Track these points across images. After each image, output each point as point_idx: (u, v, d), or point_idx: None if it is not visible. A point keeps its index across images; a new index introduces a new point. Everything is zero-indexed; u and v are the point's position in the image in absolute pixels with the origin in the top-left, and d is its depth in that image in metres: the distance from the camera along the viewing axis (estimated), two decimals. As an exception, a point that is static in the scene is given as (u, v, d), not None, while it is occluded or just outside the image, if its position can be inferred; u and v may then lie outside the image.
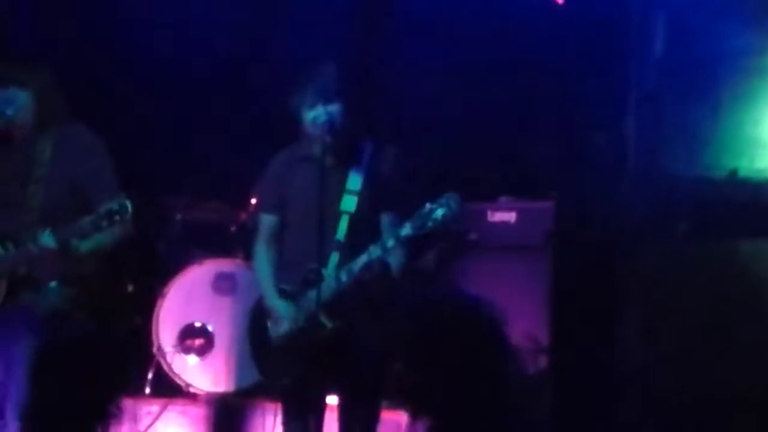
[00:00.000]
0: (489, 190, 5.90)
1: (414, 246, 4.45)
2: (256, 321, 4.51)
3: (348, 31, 6.62)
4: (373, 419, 4.43)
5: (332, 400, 4.55)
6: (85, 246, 4.18)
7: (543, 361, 5.46)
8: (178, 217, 6.20)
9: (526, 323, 5.44)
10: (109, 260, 4.44)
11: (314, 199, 4.32)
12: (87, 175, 4.31)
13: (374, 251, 4.22)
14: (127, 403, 5.41)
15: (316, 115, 4.35)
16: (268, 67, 6.44)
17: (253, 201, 5.93)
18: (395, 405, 4.47)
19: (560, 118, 5.98)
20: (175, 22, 6.52)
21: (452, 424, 2.55)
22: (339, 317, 4.28)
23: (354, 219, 4.37)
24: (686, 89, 5.39)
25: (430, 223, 4.15)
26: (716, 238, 5.23)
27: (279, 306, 4.38)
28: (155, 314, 5.79)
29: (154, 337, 5.77)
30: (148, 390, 5.71)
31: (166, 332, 5.78)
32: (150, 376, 5.73)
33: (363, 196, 4.39)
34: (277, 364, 4.43)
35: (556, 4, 5.88)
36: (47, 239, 4.11)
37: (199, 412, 5.60)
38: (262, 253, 4.53)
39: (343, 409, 4.44)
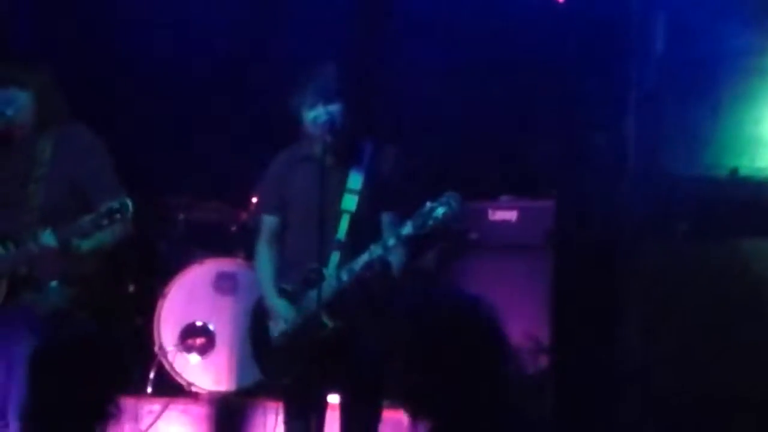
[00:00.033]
0: (489, 189, 5.90)
1: (415, 245, 4.46)
2: (257, 320, 4.52)
3: (348, 31, 6.62)
4: (374, 418, 4.43)
5: (333, 399, 4.55)
6: (85, 245, 4.18)
7: (543, 361, 5.46)
8: (180, 216, 6.20)
9: (526, 323, 5.45)
10: (110, 260, 4.44)
11: (315, 198, 4.33)
12: (87, 175, 4.32)
13: (375, 250, 4.22)
14: (129, 403, 5.46)
15: (316, 114, 4.35)
16: (268, 67, 6.43)
17: (254, 200, 5.93)
18: (396, 404, 4.47)
19: (560, 117, 5.98)
20: (175, 22, 6.52)
21: (452, 425, 2.55)
22: (340, 317, 4.28)
23: (355, 218, 4.37)
24: (686, 89, 5.38)
25: (430, 222, 4.15)
26: (717, 237, 5.23)
27: (279, 306, 4.39)
28: (156, 314, 5.79)
29: (155, 337, 5.77)
30: (149, 389, 5.72)
31: (167, 331, 5.79)
32: (151, 375, 5.74)
33: (363, 195, 4.39)
34: (279, 364, 4.44)
35: (557, 3, 5.89)
36: (48, 238, 4.11)
37: (200, 411, 5.60)
38: (264, 253, 4.53)
39: (344, 408, 4.44)
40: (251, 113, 6.46)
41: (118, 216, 4.06)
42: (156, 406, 5.55)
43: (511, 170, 6.13)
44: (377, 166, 4.44)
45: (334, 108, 4.35)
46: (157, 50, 6.39)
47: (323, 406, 4.48)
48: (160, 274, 5.99)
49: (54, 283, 4.26)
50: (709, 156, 5.37)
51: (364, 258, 4.23)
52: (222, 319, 5.81)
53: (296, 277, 4.37)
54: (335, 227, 4.37)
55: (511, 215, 5.75)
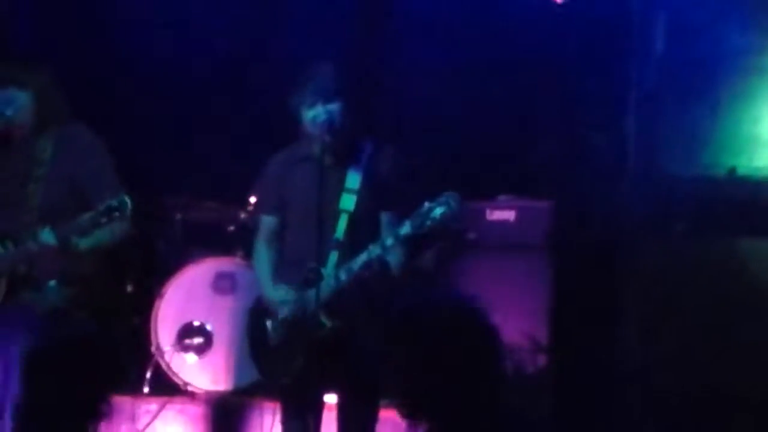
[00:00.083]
0: (488, 189, 5.90)
1: (413, 245, 4.45)
2: (255, 320, 4.51)
3: (348, 31, 6.61)
4: (372, 418, 4.43)
5: (331, 399, 4.54)
6: (84, 244, 4.18)
7: (541, 361, 5.46)
8: (178, 216, 6.20)
9: (525, 322, 5.45)
10: (109, 259, 4.44)
11: (313, 198, 4.32)
12: (87, 175, 4.32)
13: (373, 250, 4.21)
14: (126, 402, 5.46)
15: (315, 114, 4.34)
16: (268, 67, 6.43)
17: (253, 200, 5.93)
18: (393, 404, 4.46)
19: (560, 117, 5.98)
20: (175, 22, 6.52)
21: (448, 426, 2.54)
22: (338, 316, 4.27)
23: (353, 218, 4.37)
24: (686, 89, 5.39)
25: (429, 222, 4.14)
26: (715, 236, 5.23)
27: (278, 293, 4.37)
28: (154, 313, 5.79)
29: (152, 336, 5.77)
30: (146, 389, 5.70)
31: (164, 331, 5.79)
32: (149, 374, 5.73)
33: (362, 195, 4.38)
34: (276, 363, 4.43)
35: (556, 3, 5.88)
36: (47, 236, 4.11)
37: (197, 410, 5.59)
38: (262, 252, 4.53)
39: (342, 408, 4.44)
40: (249, 113, 6.46)
41: (117, 214, 4.06)
42: (153, 405, 5.54)
43: (511, 170, 6.13)
44: (376, 166, 4.43)
45: (333, 107, 4.34)
46: (157, 50, 6.39)
47: (321, 406, 4.47)
48: (158, 274, 5.99)
49: (53, 283, 4.26)
50: (708, 155, 5.37)
51: (363, 258, 4.22)
52: (220, 318, 5.81)
53: (295, 277, 4.36)
54: (334, 227, 4.36)
55: (509, 215, 5.75)
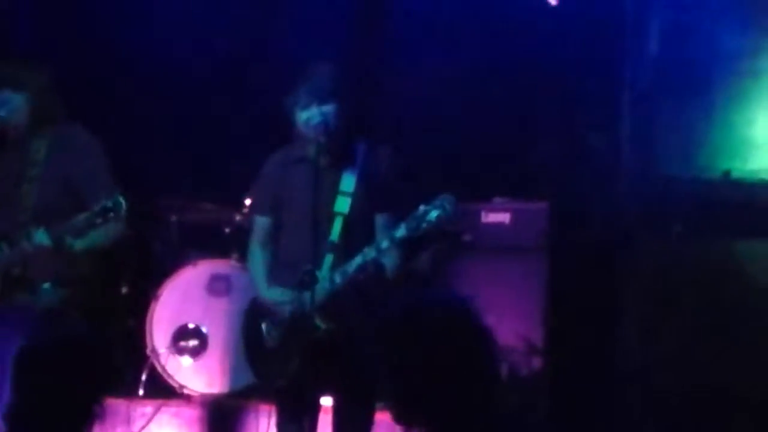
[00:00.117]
0: (485, 190, 5.90)
1: (408, 247, 4.44)
2: (251, 322, 4.50)
3: (348, 31, 6.61)
4: (368, 421, 4.42)
5: (326, 401, 4.54)
6: (79, 244, 4.18)
7: (537, 363, 5.46)
8: (174, 218, 6.19)
9: (520, 324, 5.45)
10: (104, 261, 4.43)
11: (309, 200, 4.31)
12: (81, 175, 4.31)
13: (369, 253, 4.20)
14: (121, 405, 5.45)
15: (310, 115, 4.33)
16: (267, 67, 6.43)
17: (248, 202, 5.92)
18: (388, 408, 4.46)
19: (555, 118, 5.99)
20: (175, 22, 6.51)
21: (444, 429, 2.54)
22: (333, 319, 4.27)
23: (348, 220, 4.36)
24: (680, 90, 5.40)
25: (424, 225, 4.13)
26: (711, 238, 5.23)
27: (274, 294, 4.37)
28: (149, 315, 5.78)
29: (147, 339, 5.76)
30: (141, 391, 5.70)
31: (160, 333, 5.78)
32: (144, 377, 5.72)
33: (357, 197, 4.37)
34: (272, 366, 4.42)
35: (551, 5, 5.89)
36: (41, 237, 4.10)
37: (192, 413, 5.59)
38: (256, 253, 4.52)
39: (338, 410, 4.43)
40: (247, 114, 6.46)
41: (111, 215, 4.05)
42: (148, 408, 5.54)
43: (507, 171, 6.13)
44: (371, 168, 4.42)
45: (328, 109, 4.33)
46: (154, 51, 6.38)
47: (316, 408, 4.46)
48: (153, 276, 5.98)
49: (47, 285, 4.26)
50: (703, 157, 5.38)
51: (358, 260, 4.21)
52: (215, 321, 5.80)
53: (290, 279, 4.35)
54: (329, 229, 4.35)
55: (504, 217, 5.75)
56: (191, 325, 5.82)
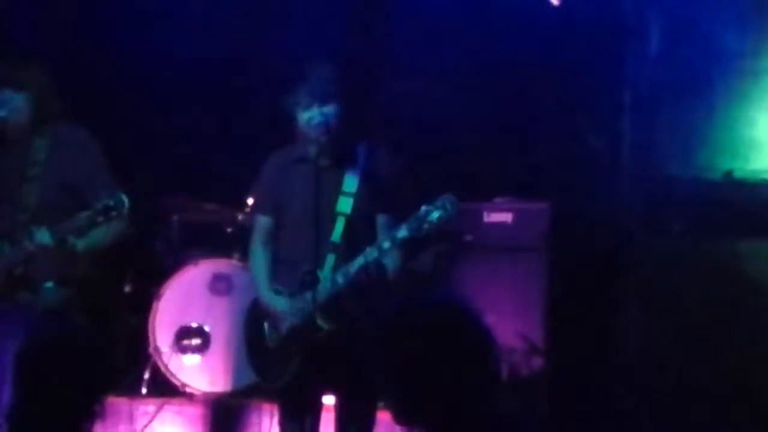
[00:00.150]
0: (486, 190, 5.90)
1: (410, 248, 4.45)
2: (253, 321, 4.51)
3: (348, 31, 6.62)
4: (370, 420, 4.43)
5: (329, 400, 4.55)
6: (81, 243, 4.18)
7: (537, 363, 5.46)
8: (175, 218, 6.20)
9: (521, 324, 5.45)
10: (106, 261, 4.43)
11: (310, 200, 4.32)
12: (82, 174, 4.32)
13: (370, 253, 4.20)
14: (124, 403, 5.46)
15: (311, 116, 4.33)
16: (266, 67, 6.43)
17: (250, 201, 5.93)
18: (389, 408, 4.46)
19: (556, 118, 5.99)
20: (175, 21, 6.52)
21: (443, 429, 2.54)
22: (335, 319, 4.27)
23: (350, 220, 4.36)
24: (680, 90, 5.40)
25: (426, 226, 4.13)
26: (712, 238, 5.24)
27: (276, 303, 4.38)
28: (152, 315, 5.79)
29: (150, 337, 5.77)
30: (144, 390, 5.71)
31: (162, 333, 5.79)
32: (146, 376, 5.73)
33: (359, 197, 4.37)
34: (274, 365, 4.43)
35: (552, 5, 5.89)
36: (43, 236, 4.10)
37: (195, 412, 5.60)
38: (258, 254, 4.52)
39: (340, 409, 4.44)
40: (247, 114, 6.46)
41: (114, 213, 4.05)
42: (151, 407, 5.55)
43: (508, 171, 6.13)
44: (372, 168, 4.42)
45: (329, 109, 4.33)
46: (156, 50, 6.38)
47: (318, 407, 4.47)
48: (155, 276, 5.98)
49: (49, 284, 4.26)
50: (704, 158, 5.38)
51: (359, 261, 4.21)
52: (217, 320, 5.81)
53: (291, 279, 4.36)
54: (330, 229, 4.35)
55: (506, 217, 5.75)
56: (193, 324, 5.82)
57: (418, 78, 6.29)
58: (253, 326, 4.50)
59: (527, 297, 5.60)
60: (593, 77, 5.63)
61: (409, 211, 4.17)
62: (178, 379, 5.73)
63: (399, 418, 2.60)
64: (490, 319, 2.66)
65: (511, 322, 5.42)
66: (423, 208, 4.14)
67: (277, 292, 4.41)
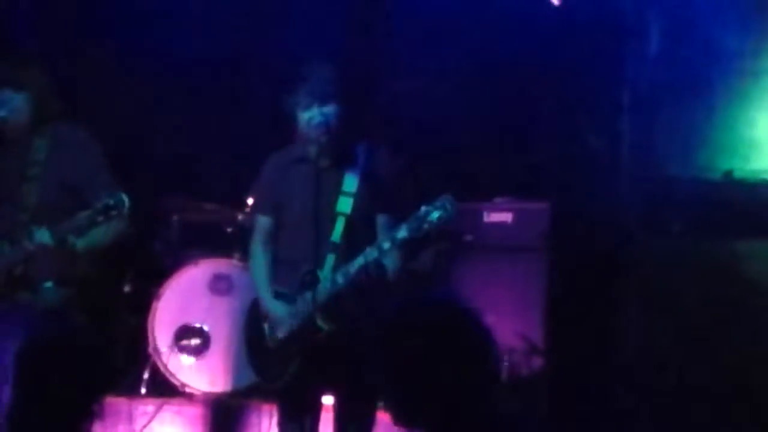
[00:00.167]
0: (486, 190, 5.90)
1: (410, 247, 4.45)
2: (253, 322, 4.51)
3: (348, 31, 6.62)
4: (369, 420, 4.43)
5: (328, 400, 4.55)
6: (81, 243, 4.18)
7: (537, 363, 5.47)
8: (175, 217, 6.20)
9: (521, 324, 5.46)
10: (106, 260, 4.43)
11: (310, 200, 4.32)
12: (82, 173, 4.32)
13: (370, 253, 4.20)
14: (123, 403, 5.46)
15: (311, 116, 4.33)
16: (267, 67, 6.44)
17: (250, 201, 5.93)
18: (388, 409, 4.46)
19: (556, 118, 5.99)
20: (176, 21, 6.52)
21: (442, 430, 2.55)
22: (335, 319, 4.27)
23: (350, 221, 4.36)
24: (680, 90, 5.40)
25: (426, 226, 4.12)
26: (712, 239, 5.24)
27: (275, 308, 4.38)
28: (151, 314, 5.79)
29: (150, 337, 5.77)
30: (143, 390, 5.72)
31: (162, 333, 5.79)
32: (146, 376, 5.73)
33: (359, 197, 4.37)
34: (273, 365, 4.43)
35: (553, 5, 5.89)
36: (43, 236, 4.10)
37: (194, 412, 5.60)
38: (258, 254, 4.52)
39: (339, 409, 4.44)
40: (248, 114, 6.46)
41: (114, 212, 4.05)
42: (150, 407, 5.55)
43: (508, 171, 6.14)
44: (372, 168, 4.42)
45: (329, 110, 4.33)
46: (156, 50, 6.39)
47: (318, 407, 4.47)
48: (155, 276, 5.99)
49: (49, 284, 4.26)
50: (704, 158, 5.38)
51: (359, 261, 4.21)
52: (217, 320, 5.81)
53: (291, 279, 4.36)
54: (330, 229, 4.35)
55: (506, 217, 5.76)
56: (193, 324, 5.83)
57: (418, 78, 6.29)
58: (253, 326, 4.50)
59: (527, 297, 5.60)
60: (593, 77, 5.63)
61: (409, 211, 4.17)
62: (178, 379, 5.73)
63: (398, 418, 2.59)
64: (490, 319, 2.66)
65: (511, 322, 5.43)
66: (423, 208, 4.14)
67: (277, 295, 4.41)
